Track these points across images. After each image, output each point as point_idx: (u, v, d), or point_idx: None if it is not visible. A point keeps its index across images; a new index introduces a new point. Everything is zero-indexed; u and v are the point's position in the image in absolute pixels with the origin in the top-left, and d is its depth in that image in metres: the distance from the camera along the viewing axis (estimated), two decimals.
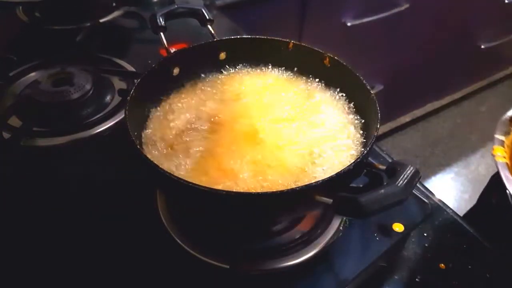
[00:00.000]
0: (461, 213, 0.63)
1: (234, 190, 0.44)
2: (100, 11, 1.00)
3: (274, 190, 0.39)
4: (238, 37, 0.63)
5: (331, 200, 0.38)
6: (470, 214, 0.80)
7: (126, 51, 0.91)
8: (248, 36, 0.63)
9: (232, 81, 0.62)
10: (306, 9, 1.30)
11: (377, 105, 0.49)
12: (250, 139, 0.52)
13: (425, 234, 0.59)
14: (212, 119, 0.55)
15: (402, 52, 1.72)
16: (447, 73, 2.04)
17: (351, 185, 0.46)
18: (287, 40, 0.61)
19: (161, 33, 0.60)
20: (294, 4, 1.28)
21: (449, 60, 1.96)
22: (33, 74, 0.81)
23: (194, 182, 0.39)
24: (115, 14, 1.01)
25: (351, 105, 0.57)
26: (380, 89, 1.73)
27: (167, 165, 0.48)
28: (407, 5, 1.50)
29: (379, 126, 0.47)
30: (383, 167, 0.43)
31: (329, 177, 0.40)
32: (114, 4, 1.04)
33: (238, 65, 0.64)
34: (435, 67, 1.94)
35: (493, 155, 0.59)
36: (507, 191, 0.56)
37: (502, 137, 0.62)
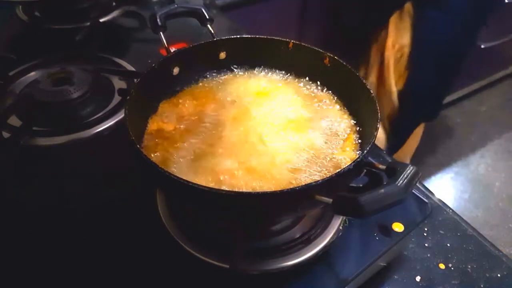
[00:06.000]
0: (461, 213, 0.63)
1: (234, 190, 0.44)
2: (100, 10, 1.00)
3: (274, 190, 0.39)
4: (238, 36, 0.63)
5: (331, 200, 0.38)
6: None
7: (126, 51, 0.91)
8: (248, 36, 0.63)
9: (232, 81, 0.62)
10: (306, 9, 1.30)
11: (377, 104, 0.49)
12: (250, 140, 0.52)
13: (425, 234, 0.59)
14: (212, 120, 0.55)
15: None
16: None
17: (351, 185, 0.46)
18: (287, 40, 0.61)
19: (161, 33, 0.60)
20: (294, 4, 1.28)
21: None
22: (33, 73, 0.81)
23: (194, 182, 0.39)
24: (115, 13, 1.01)
25: (351, 104, 0.57)
26: None
27: (167, 165, 0.48)
28: None
29: (379, 125, 0.47)
30: (383, 166, 0.43)
31: (329, 177, 0.40)
32: (114, 4, 1.04)
33: (238, 65, 0.64)
34: None
35: None
36: None
37: None
